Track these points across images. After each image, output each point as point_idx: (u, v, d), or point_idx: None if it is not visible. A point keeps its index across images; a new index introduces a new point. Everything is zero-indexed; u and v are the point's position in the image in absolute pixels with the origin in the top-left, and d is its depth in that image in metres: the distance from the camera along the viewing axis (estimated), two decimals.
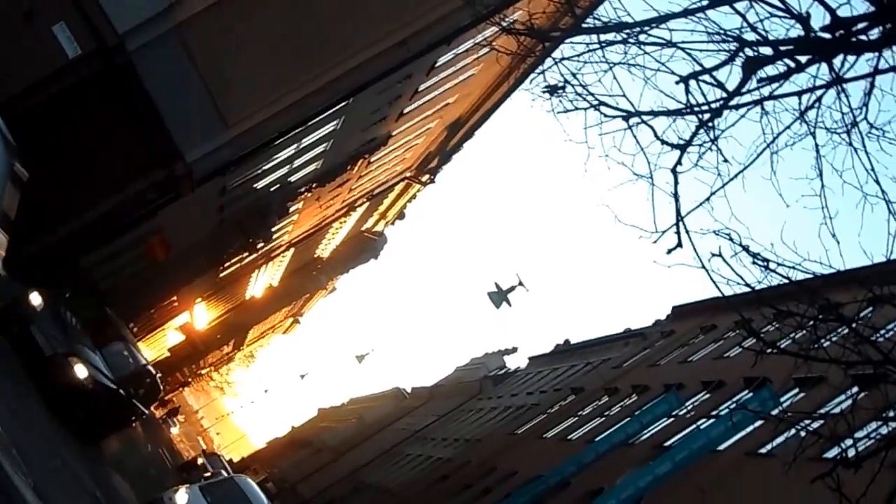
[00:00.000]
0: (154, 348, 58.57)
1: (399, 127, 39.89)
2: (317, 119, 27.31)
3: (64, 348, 19.64)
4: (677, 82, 10.46)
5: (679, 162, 10.56)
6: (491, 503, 35.54)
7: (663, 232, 10.53)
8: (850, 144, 10.09)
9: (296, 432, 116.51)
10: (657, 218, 10.69)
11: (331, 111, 27.54)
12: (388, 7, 24.97)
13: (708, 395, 32.91)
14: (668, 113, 10.56)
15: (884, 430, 15.79)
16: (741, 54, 10.18)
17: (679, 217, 10.52)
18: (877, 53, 9.73)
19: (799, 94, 10.23)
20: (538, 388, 55.66)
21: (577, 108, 10.91)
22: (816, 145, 10.28)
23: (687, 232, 10.48)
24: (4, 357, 18.49)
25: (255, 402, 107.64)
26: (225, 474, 37.69)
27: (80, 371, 19.42)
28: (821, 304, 10.77)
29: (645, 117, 10.61)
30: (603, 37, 10.76)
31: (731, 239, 9.92)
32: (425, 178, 57.27)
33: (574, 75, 10.92)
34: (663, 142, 10.64)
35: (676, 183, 10.55)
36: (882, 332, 22.40)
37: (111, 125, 23.08)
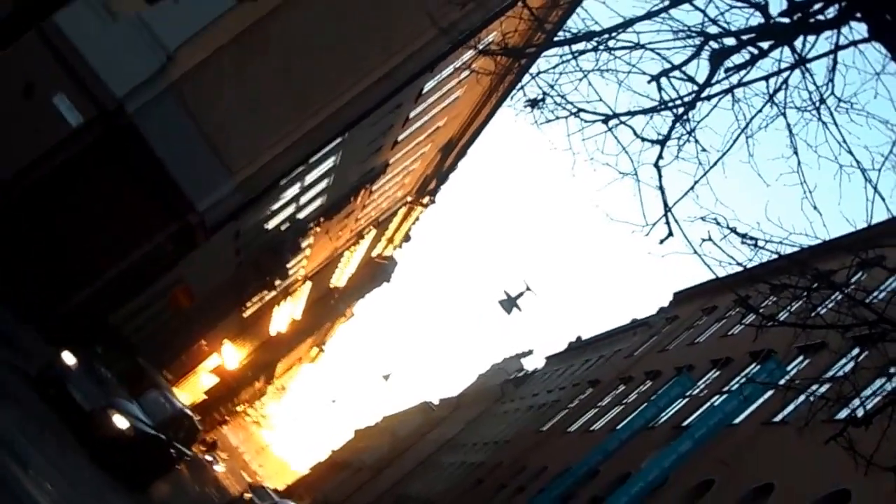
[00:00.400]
0: (189, 392, 58.41)
1: (395, 154, 39.95)
2: (316, 156, 27.39)
3: (102, 402, 19.64)
4: (649, 81, 10.47)
5: (660, 156, 10.56)
6: (525, 500, 35.41)
7: (653, 224, 10.53)
8: (821, 120, 10.09)
9: (335, 455, 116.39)
10: (646, 211, 10.69)
11: (329, 147, 27.62)
12: (372, 44, 24.99)
13: (718, 373, 32.82)
14: (644, 111, 10.56)
15: (888, 387, 15.75)
16: (707, 48, 10.19)
17: (666, 208, 10.51)
18: (835, 31, 9.73)
19: (766, 78, 10.24)
20: (557, 385, 55.61)
21: (557, 118, 10.92)
22: (788, 125, 10.28)
23: (676, 221, 10.47)
24: (45, 418, 18.46)
25: (290, 431, 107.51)
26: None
27: (120, 422, 19.41)
28: (812, 273, 10.75)
29: (623, 118, 10.61)
30: (574, 47, 10.78)
31: (718, 223, 9.92)
32: (426, 199, 57.41)
33: (551, 87, 10.94)
34: (643, 139, 10.65)
35: (660, 176, 10.55)
36: (874, 293, 22.28)
37: (121, 185, 23.12)
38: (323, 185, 34.36)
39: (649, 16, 10.25)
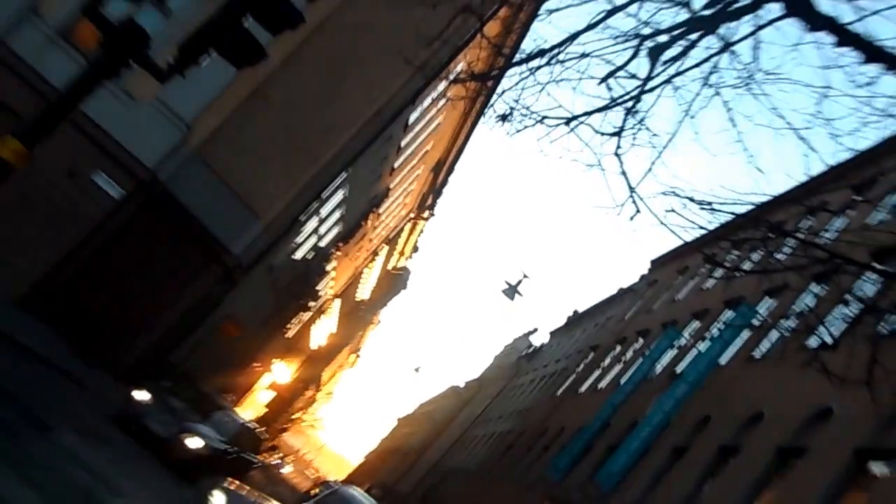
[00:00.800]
0: (251, 408, 58.43)
1: (394, 180, 40.05)
2: (327, 192, 27.47)
3: (175, 429, 19.67)
4: (599, 83, 10.54)
5: (619, 146, 10.61)
6: (550, 459, 35.32)
7: (622, 204, 10.58)
8: (752, 93, 10.15)
9: (384, 443, 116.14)
10: (615, 195, 10.78)
11: (337, 183, 27.71)
12: (358, 90, 25.03)
13: (699, 323, 32.78)
14: (598, 110, 10.63)
15: (848, 312, 15.68)
16: (643, 47, 10.24)
17: (631, 189, 10.55)
18: (753, 14, 9.73)
19: (698, 65, 10.31)
20: (563, 354, 55.45)
21: (525, 127, 10.96)
22: (724, 102, 10.37)
23: (641, 199, 10.55)
24: (132, 451, 18.51)
25: (342, 429, 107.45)
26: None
27: (195, 443, 19.47)
28: (765, 225, 10.74)
29: (581, 119, 10.67)
30: (530, 64, 10.83)
31: (677, 195, 9.97)
32: (426, 214, 57.59)
33: (517, 101, 11.00)
34: (602, 134, 10.69)
35: (621, 163, 10.59)
36: (822, 233, 22.28)
37: (165, 241, 23.21)
38: (337, 214, 34.45)
39: (590, 27, 10.33)
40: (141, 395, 19.60)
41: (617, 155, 10.51)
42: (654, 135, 10.62)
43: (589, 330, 54.68)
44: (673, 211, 9.98)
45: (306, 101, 23.99)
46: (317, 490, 22.56)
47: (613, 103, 10.40)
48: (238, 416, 26.24)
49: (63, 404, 17.22)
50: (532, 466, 37.52)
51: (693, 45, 10.09)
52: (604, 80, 10.39)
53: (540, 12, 12.91)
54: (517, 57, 11.56)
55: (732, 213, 10.33)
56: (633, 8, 10.34)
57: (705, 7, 9.94)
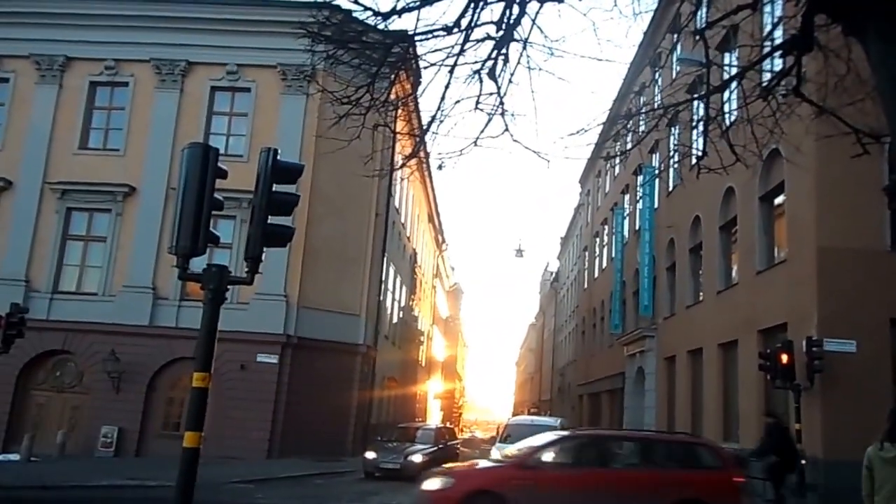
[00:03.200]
0: (434, 416, 58.81)
1: (415, 243, 40.19)
2: (383, 273, 27.44)
3: (401, 458, 19.32)
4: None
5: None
6: (607, 323, 34.98)
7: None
8: None
9: (518, 381, 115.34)
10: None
11: (385, 266, 27.71)
12: (355, 205, 25.14)
13: (628, 196, 32.33)
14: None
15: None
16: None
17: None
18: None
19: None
20: (571, 264, 54.98)
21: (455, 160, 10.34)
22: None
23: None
24: (387, 486, 18.38)
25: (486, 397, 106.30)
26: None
27: (417, 458, 19.31)
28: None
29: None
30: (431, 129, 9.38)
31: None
32: (444, 246, 57.97)
33: (440, 154, 10.59)
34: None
35: None
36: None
37: (321, 364, 23.24)
38: (398, 280, 34.49)
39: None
40: (369, 454, 19.65)
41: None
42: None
43: (574, 241, 54.37)
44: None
45: (333, 234, 24.12)
46: (500, 431, 22.69)
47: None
48: (430, 425, 26.27)
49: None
50: (602, 334, 37.23)
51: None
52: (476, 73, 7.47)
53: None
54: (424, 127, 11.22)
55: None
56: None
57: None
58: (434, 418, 56.98)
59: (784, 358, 14.22)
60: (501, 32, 6.07)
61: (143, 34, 24.05)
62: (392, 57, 7.04)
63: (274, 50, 23.45)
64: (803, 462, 13.21)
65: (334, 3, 8.90)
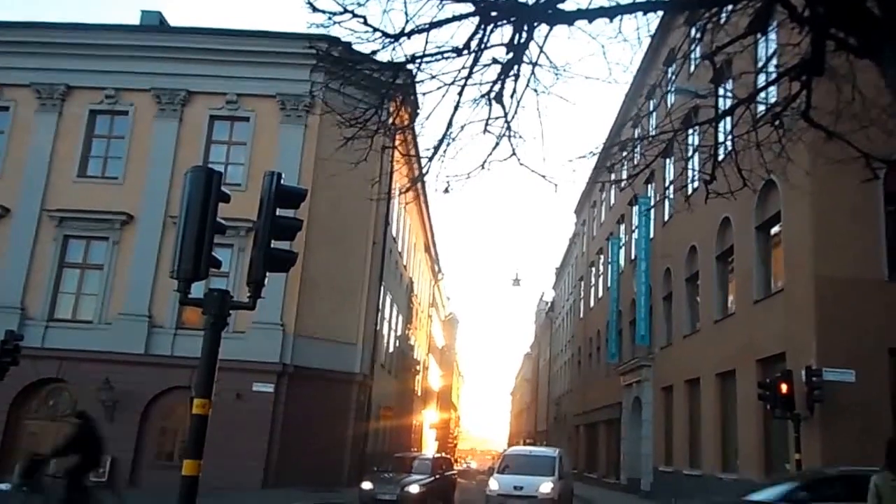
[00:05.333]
0: (429, 446, 58.11)
1: (411, 272, 40.00)
2: (379, 301, 27.20)
3: (397, 489, 19.11)
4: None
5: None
6: (604, 352, 34.83)
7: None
8: None
9: (514, 410, 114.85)
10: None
11: (382, 294, 27.50)
12: (354, 233, 25.03)
13: (623, 225, 32.40)
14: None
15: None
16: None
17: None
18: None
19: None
20: (567, 294, 55.02)
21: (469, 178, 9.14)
22: None
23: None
24: None
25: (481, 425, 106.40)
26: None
27: (414, 488, 19.02)
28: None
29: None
30: (437, 153, 9.04)
31: None
32: (440, 276, 57.87)
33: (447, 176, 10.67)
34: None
35: None
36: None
37: (317, 393, 22.88)
38: (395, 310, 34.22)
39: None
40: (365, 485, 19.29)
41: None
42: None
43: (569, 270, 54.34)
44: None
45: (330, 263, 23.91)
46: (496, 461, 22.43)
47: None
48: (427, 455, 25.87)
49: None
50: (598, 364, 37.03)
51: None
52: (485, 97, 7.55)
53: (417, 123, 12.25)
54: (426, 153, 10.86)
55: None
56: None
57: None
58: (430, 448, 56.33)
59: (784, 387, 14.07)
60: (510, 55, 6.05)
61: (144, 64, 24.11)
62: (399, 79, 6.98)
63: (273, 80, 23.63)
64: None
65: (332, 35, 8.79)
